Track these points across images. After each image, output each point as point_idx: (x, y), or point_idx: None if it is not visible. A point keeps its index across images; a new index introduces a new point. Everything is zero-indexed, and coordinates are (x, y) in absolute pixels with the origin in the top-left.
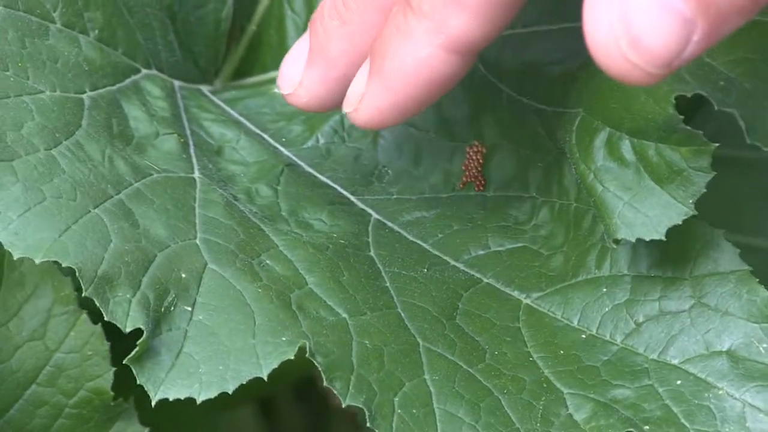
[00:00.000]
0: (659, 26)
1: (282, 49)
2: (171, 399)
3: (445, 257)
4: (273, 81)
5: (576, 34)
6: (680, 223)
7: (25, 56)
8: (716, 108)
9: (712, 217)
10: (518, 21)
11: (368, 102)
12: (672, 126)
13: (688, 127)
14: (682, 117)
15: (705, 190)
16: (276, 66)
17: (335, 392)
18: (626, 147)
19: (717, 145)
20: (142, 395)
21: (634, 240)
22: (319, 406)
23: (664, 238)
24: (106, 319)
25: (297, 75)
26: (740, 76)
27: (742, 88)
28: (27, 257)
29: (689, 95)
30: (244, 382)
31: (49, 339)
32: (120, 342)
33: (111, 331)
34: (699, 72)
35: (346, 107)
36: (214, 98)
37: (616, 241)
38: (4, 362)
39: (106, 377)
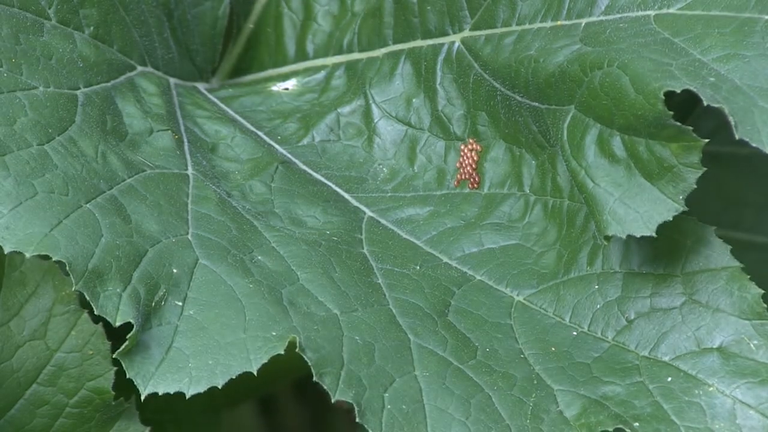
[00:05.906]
0: None
1: (279, 47)
2: (161, 393)
3: (438, 254)
4: (270, 79)
5: (568, 32)
6: (670, 219)
7: (19, 52)
8: (705, 104)
9: (712, 213)
10: (512, 19)
11: None
12: (662, 122)
13: (678, 123)
14: (671, 113)
15: (696, 186)
16: (273, 64)
17: (324, 387)
18: (617, 143)
19: (707, 141)
20: None
21: (624, 236)
22: (319, 405)
23: (654, 235)
24: (96, 313)
25: None
26: (730, 72)
27: (731, 84)
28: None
29: (679, 91)
30: (234, 377)
31: (50, 338)
32: (121, 342)
33: (112, 330)
34: (689, 68)
35: None
36: (210, 96)
37: (607, 238)
38: (5, 361)
39: (107, 376)
